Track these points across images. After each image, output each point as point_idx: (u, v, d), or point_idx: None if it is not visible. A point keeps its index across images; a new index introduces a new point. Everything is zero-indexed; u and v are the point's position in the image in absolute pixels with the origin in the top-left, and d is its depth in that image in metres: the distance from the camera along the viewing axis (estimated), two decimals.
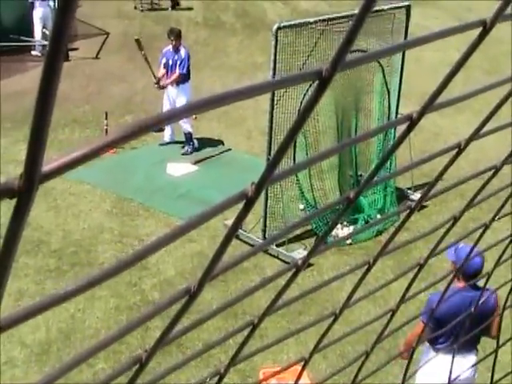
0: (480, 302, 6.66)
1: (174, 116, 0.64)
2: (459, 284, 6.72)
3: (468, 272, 6.77)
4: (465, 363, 6.90)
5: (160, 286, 10.42)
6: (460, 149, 1.15)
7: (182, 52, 14.50)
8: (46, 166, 0.55)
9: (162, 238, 0.72)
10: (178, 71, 14.40)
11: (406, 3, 12.49)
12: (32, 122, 0.51)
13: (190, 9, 26.44)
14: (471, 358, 7.12)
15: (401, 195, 12.95)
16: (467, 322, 6.30)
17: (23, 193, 0.53)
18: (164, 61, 14.65)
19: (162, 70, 14.71)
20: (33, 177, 0.52)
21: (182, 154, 14.63)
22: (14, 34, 19.40)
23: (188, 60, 14.53)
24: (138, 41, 15.12)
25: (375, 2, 0.68)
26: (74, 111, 16.27)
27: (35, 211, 12.11)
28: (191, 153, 14.68)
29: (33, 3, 20.03)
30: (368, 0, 0.67)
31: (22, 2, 19.99)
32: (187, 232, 0.75)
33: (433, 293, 6.63)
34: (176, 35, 14.53)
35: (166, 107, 14.69)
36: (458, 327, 6.28)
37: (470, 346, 7.14)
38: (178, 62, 14.41)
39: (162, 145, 15.01)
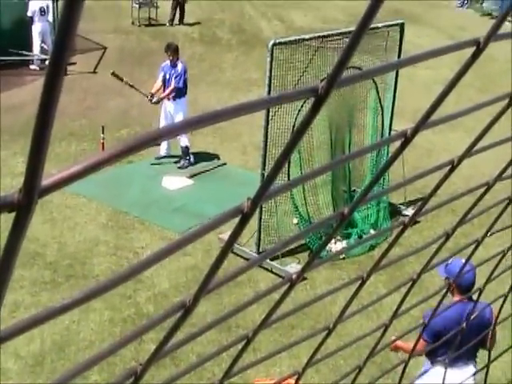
0: (475, 314, 6.69)
1: (172, 132, 0.64)
2: (455, 298, 6.74)
3: (462, 286, 6.80)
4: (463, 376, 6.91)
5: (154, 299, 10.41)
6: (453, 166, 1.16)
7: (179, 66, 14.56)
8: (46, 180, 0.55)
9: (159, 252, 0.72)
10: (173, 84, 14.44)
11: (400, 21, 12.54)
12: (32, 137, 0.51)
13: (193, 24, 26.53)
14: (469, 370, 7.10)
15: (394, 210, 12.96)
16: (464, 334, 6.33)
17: (23, 207, 0.53)
18: (162, 75, 14.67)
19: (159, 84, 14.73)
20: (32, 191, 0.52)
21: (178, 168, 14.65)
22: (13, 49, 19.44)
23: (185, 74, 14.57)
24: (114, 74, 15.23)
25: (372, 20, 0.69)
26: (71, 125, 16.27)
27: (31, 223, 12.05)
28: (187, 167, 14.69)
29: (32, 18, 20.09)
30: (364, 19, 0.68)
31: (21, 17, 20.02)
32: (184, 246, 0.75)
33: (428, 309, 6.64)
34: (173, 50, 14.59)
35: (163, 121, 14.71)
36: (456, 340, 6.29)
37: (468, 358, 7.13)
38: (174, 76, 14.44)
39: (158, 158, 15.00)
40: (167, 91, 14.49)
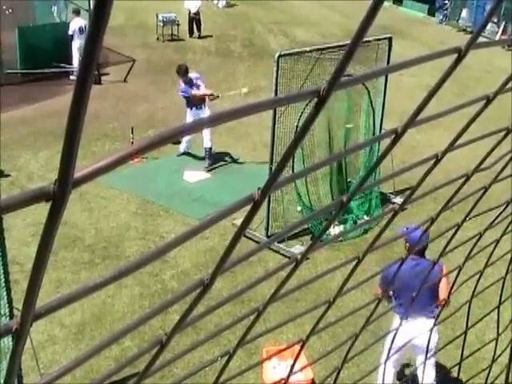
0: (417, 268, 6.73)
1: (187, 130, 0.62)
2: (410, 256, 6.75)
3: (411, 244, 6.91)
4: (419, 327, 6.89)
5: (178, 277, 10.42)
6: (437, 159, 1.14)
7: (194, 80, 14.22)
8: (78, 173, 0.54)
9: (180, 236, 0.71)
10: (202, 91, 14.26)
11: (388, 36, 12.53)
12: (65, 135, 0.50)
13: (206, 36, 26.57)
14: (426, 322, 7.08)
15: (384, 198, 12.95)
16: (412, 287, 6.33)
17: (57, 197, 0.52)
18: (188, 91, 14.19)
19: (194, 91, 14.25)
20: (66, 182, 0.51)
21: (205, 168, 14.44)
22: (56, 62, 19.53)
23: (199, 80, 14.32)
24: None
25: (364, 35, 0.67)
26: (105, 127, 16.29)
27: (72, 212, 12.14)
28: (210, 165, 14.55)
29: (72, 36, 20.18)
30: (359, 32, 0.66)
31: (63, 35, 20.10)
32: (202, 231, 0.73)
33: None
34: (184, 72, 14.12)
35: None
36: (408, 293, 6.31)
37: (422, 311, 7.11)
38: (196, 86, 14.16)
39: (178, 155, 14.99)
40: (202, 92, 14.27)
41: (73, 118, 0.49)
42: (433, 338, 7.28)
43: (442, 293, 7.09)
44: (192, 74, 14.35)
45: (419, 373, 7.39)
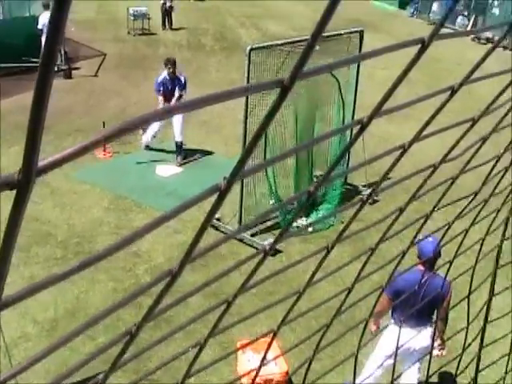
0: (427, 282, 6.74)
1: (150, 118, 0.63)
2: (420, 267, 6.79)
3: (421, 257, 6.90)
4: (418, 336, 6.96)
5: (151, 271, 10.40)
6: (404, 149, 1.15)
7: (182, 78, 14.27)
8: (42, 162, 0.55)
9: (147, 225, 0.71)
10: (177, 93, 14.16)
11: (360, 29, 12.57)
12: (28, 126, 0.51)
13: (178, 29, 26.51)
14: (424, 331, 7.13)
15: (356, 191, 13.02)
16: (418, 299, 6.39)
17: (22, 185, 0.52)
18: (161, 89, 14.21)
19: (161, 97, 14.26)
20: (30, 171, 0.52)
21: (178, 163, 14.45)
22: (26, 56, 19.37)
23: (186, 84, 14.33)
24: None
25: (325, 25, 0.68)
26: (76, 122, 16.20)
27: (43, 207, 12.07)
28: (183, 160, 14.55)
29: (42, 30, 20.00)
30: (319, 24, 0.67)
31: (32, 29, 19.93)
32: (168, 220, 0.74)
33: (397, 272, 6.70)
34: (172, 63, 14.19)
35: (159, 122, 14.57)
36: (411, 302, 6.35)
37: (422, 321, 7.15)
38: (178, 86, 14.13)
39: (150, 149, 14.95)
40: (175, 98, 14.10)
41: (36, 106, 0.49)
42: (427, 344, 7.34)
43: (443, 310, 7.14)
44: (182, 75, 14.39)
45: (405, 376, 7.43)
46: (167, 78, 14.24)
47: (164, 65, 14.36)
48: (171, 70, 14.17)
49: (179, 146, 14.50)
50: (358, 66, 12.74)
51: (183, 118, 14.22)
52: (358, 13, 28.73)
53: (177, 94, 14.19)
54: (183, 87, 14.23)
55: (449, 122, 1.32)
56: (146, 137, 14.91)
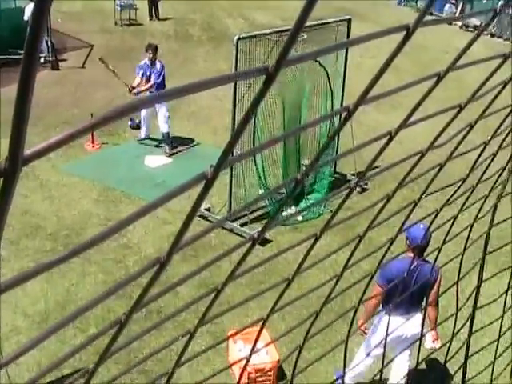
0: (418, 270, 6.77)
1: (137, 106, 0.63)
2: (410, 254, 6.82)
3: (411, 244, 6.93)
4: (409, 323, 6.98)
5: (141, 262, 10.40)
6: (391, 136, 1.16)
7: (158, 65, 14.37)
8: (29, 150, 0.55)
9: (133, 214, 0.72)
10: (152, 81, 14.30)
11: (347, 17, 12.57)
12: (14, 115, 0.51)
13: (166, 19, 26.47)
14: (415, 319, 7.15)
15: (345, 180, 13.05)
16: (409, 287, 6.42)
17: (8, 173, 0.53)
18: (141, 72, 14.46)
19: (138, 79, 14.51)
20: (16, 159, 0.52)
21: (166, 154, 14.50)
22: (12, 48, 19.25)
23: (163, 71, 14.40)
24: (101, 59, 15.07)
25: (308, 14, 0.68)
26: (64, 114, 16.15)
27: (33, 200, 12.05)
28: (171, 150, 14.59)
29: (28, 22, 19.88)
30: (302, 13, 0.67)
31: (19, 21, 19.82)
32: (155, 209, 0.74)
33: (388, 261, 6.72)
34: (153, 49, 14.40)
35: (144, 111, 14.61)
36: (403, 290, 6.37)
37: (413, 308, 7.17)
38: (154, 73, 14.31)
39: (139, 140, 14.98)
40: (147, 86, 14.29)
41: (21, 94, 0.50)
42: (418, 331, 7.36)
43: (433, 296, 7.17)
44: (161, 62, 14.49)
45: (395, 363, 7.46)
46: (147, 63, 14.47)
47: (145, 50, 14.52)
48: (151, 56, 14.35)
49: (165, 136, 14.54)
50: (346, 55, 12.75)
51: (166, 108, 14.26)
52: (345, 1, 28.71)
53: (152, 81, 14.34)
54: (158, 74, 14.31)
55: (438, 110, 1.32)
56: (143, 129, 14.99)
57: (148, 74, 14.38)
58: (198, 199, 0.78)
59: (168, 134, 14.52)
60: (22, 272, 0.65)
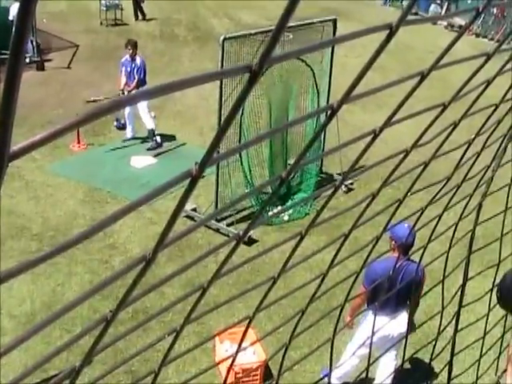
0: (404, 270, 6.77)
1: (121, 103, 0.64)
2: (394, 254, 6.82)
3: (397, 244, 6.89)
4: (395, 322, 7.00)
5: (127, 262, 10.35)
6: (375, 134, 1.17)
7: (138, 61, 14.49)
8: (14, 147, 0.55)
9: (117, 212, 0.72)
10: (136, 77, 14.37)
11: (333, 17, 12.60)
12: (0, 109, 0.51)
13: (151, 20, 26.45)
14: (401, 318, 7.17)
15: (331, 180, 13.07)
16: (394, 286, 6.43)
17: None
18: (123, 69, 14.56)
19: (123, 79, 14.58)
20: (2, 156, 0.52)
21: (148, 150, 14.56)
22: None
23: (144, 67, 14.49)
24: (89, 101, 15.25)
25: (291, 14, 0.69)
26: (49, 114, 16.08)
27: (18, 201, 12.00)
28: (155, 148, 14.63)
29: (13, 22, 19.80)
30: (287, 11, 0.68)
31: (4, 21, 19.69)
32: (139, 206, 0.75)
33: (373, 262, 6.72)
34: (133, 45, 14.52)
35: (128, 108, 14.60)
36: (387, 288, 6.38)
37: (399, 307, 7.19)
38: (135, 70, 14.39)
39: (125, 141, 14.97)
40: (133, 84, 14.34)
41: (7, 93, 0.50)
42: (404, 330, 7.39)
43: (419, 295, 7.18)
44: (141, 57, 14.54)
45: (381, 363, 7.48)
46: (128, 59, 14.58)
47: (125, 46, 14.68)
48: (131, 52, 14.48)
49: (151, 133, 14.61)
50: (332, 54, 12.77)
51: (147, 105, 14.30)
52: (331, 1, 28.76)
53: (136, 78, 14.45)
54: (139, 69, 14.46)
55: (422, 109, 1.33)
56: (129, 129, 15.01)
57: (129, 69, 14.52)
58: (183, 196, 0.78)
59: (153, 130, 14.58)
60: (6, 269, 0.66)
